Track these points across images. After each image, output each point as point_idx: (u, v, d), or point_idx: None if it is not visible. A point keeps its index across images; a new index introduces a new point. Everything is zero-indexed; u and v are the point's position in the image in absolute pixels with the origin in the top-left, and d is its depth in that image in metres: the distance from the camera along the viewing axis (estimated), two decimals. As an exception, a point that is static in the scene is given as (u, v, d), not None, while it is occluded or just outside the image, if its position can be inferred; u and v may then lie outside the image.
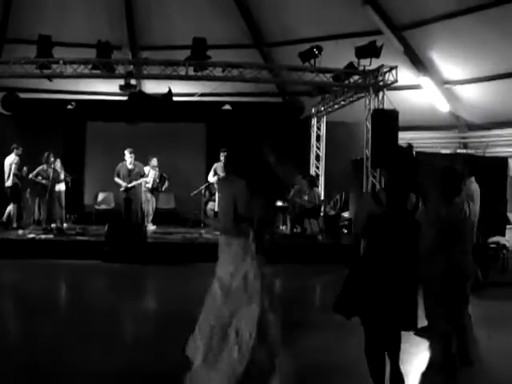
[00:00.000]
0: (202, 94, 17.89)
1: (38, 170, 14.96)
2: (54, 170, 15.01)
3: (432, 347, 6.28)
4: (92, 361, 5.97)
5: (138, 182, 15.36)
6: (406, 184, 4.68)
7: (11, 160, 15.59)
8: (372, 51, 14.73)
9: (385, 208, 4.57)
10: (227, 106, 17.92)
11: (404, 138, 15.66)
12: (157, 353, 6.22)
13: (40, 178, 14.91)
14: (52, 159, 15.01)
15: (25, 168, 15.49)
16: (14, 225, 15.41)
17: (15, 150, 15.65)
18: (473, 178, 8.08)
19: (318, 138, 18.98)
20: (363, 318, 4.63)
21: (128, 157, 15.24)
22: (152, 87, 18.20)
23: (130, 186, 15.11)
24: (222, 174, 14.58)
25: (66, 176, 15.57)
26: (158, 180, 16.49)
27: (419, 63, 17.59)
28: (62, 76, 15.24)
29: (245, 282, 4.56)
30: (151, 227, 16.31)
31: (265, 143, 4.82)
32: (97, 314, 8.33)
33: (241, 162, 4.78)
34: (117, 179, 15.23)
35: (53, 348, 6.42)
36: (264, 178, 4.72)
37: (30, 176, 14.94)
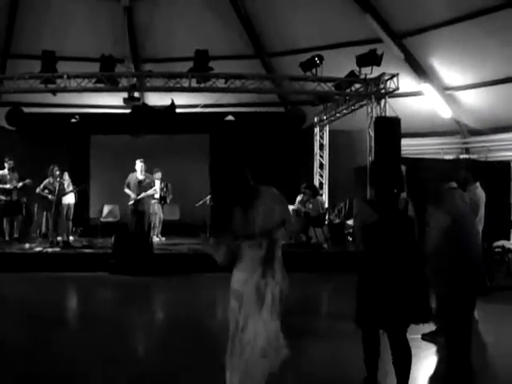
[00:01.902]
0: (205, 106, 18.01)
1: (44, 183, 14.98)
2: (61, 183, 15.05)
3: (439, 351, 6.33)
4: (101, 372, 6.03)
5: (148, 193, 15.29)
6: (392, 187, 4.75)
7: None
8: (373, 59, 14.80)
9: (379, 213, 4.64)
10: (230, 117, 17.96)
11: (407, 144, 15.74)
12: (165, 362, 6.27)
13: (47, 191, 14.94)
14: (57, 172, 15.00)
15: (27, 180, 15.55)
16: (7, 238, 15.45)
17: (5, 164, 15.60)
18: (478, 184, 8.11)
19: (321, 146, 19.04)
20: (379, 324, 4.72)
21: (139, 167, 15.18)
22: (155, 99, 18.32)
23: (139, 197, 15.04)
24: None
25: (74, 188, 15.57)
26: (164, 190, 16.55)
27: (420, 70, 17.66)
28: (66, 90, 15.35)
29: (257, 291, 4.63)
30: (161, 239, 16.40)
31: (246, 169, 4.91)
32: (105, 326, 8.37)
33: (229, 193, 4.89)
34: (126, 190, 15.14)
35: (61, 359, 6.47)
36: (250, 196, 4.82)
37: (37, 190, 14.96)
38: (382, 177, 4.72)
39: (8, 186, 15.33)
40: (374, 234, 4.65)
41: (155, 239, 15.80)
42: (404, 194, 4.94)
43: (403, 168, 5.73)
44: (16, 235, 15.52)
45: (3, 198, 15.43)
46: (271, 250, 4.72)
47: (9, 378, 5.85)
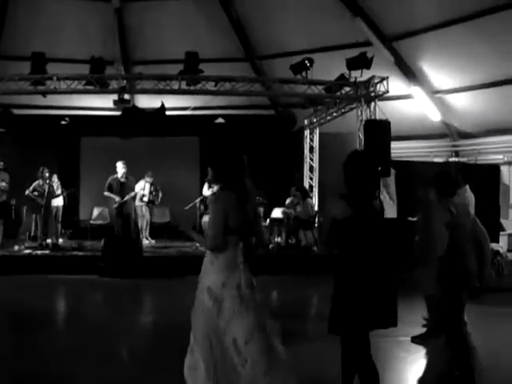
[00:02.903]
0: (195, 108, 18.01)
1: (33, 185, 14.90)
2: (50, 186, 14.99)
3: (429, 354, 6.34)
4: (90, 375, 6.01)
5: (131, 195, 15.11)
6: (368, 183, 4.72)
7: None
8: (363, 62, 14.84)
9: (352, 208, 4.58)
10: (220, 120, 17.98)
11: (396, 147, 15.81)
12: (154, 366, 6.27)
13: (36, 193, 14.86)
14: (47, 174, 14.92)
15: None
16: None
17: None
18: (467, 186, 8.12)
19: (311, 149, 19.03)
20: (354, 329, 4.63)
21: (120, 169, 14.85)
22: (145, 102, 18.32)
23: (123, 200, 14.83)
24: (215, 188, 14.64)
25: (63, 191, 15.50)
26: (153, 193, 16.51)
27: (410, 73, 17.74)
28: (55, 92, 15.31)
29: (239, 292, 4.59)
30: (150, 241, 16.38)
31: (242, 156, 4.89)
32: (94, 329, 8.35)
33: (230, 175, 4.82)
34: (108, 193, 14.90)
35: (49, 362, 6.45)
36: (248, 189, 4.80)
37: (27, 192, 14.88)
38: (356, 171, 4.67)
39: None
40: (345, 230, 4.58)
41: (145, 242, 15.78)
42: (387, 197, 4.94)
43: (392, 171, 5.73)
44: None
45: None
46: (247, 249, 4.69)
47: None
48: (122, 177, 14.88)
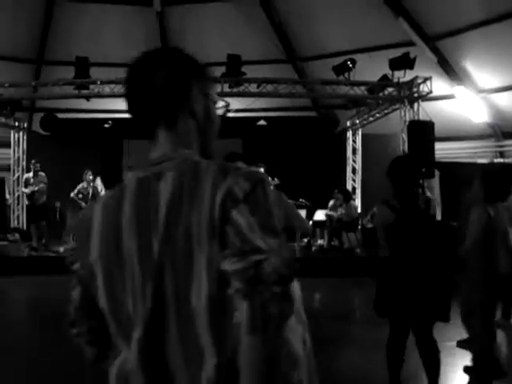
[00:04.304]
0: (237, 110, 18.02)
1: (78, 188, 15.04)
2: (94, 188, 15.13)
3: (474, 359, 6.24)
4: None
5: None
6: (411, 185, 4.73)
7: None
8: (406, 63, 14.75)
9: (399, 212, 4.62)
10: (262, 122, 17.98)
11: (440, 148, 15.61)
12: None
13: (81, 196, 15.01)
14: (91, 177, 15.06)
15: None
16: (34, 244, 15.21)
17: (31, 166, 15.43)
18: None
19: (354, 150, 18.92)
20: (395, 315, 4.69)
21: None
22: (187, 104, 18.40)
23: None
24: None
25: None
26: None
27: (453, 73, 17.51)
28: (99, 96, 15.52)
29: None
30: None
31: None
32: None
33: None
34: None
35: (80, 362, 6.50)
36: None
37: (72, 195, 15.03)
38: (400, 174, 4.70)
39: (26, 189, 15.21)
40: (394, 233, 4.63)
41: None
42: (430, 194, 4.93)
43: (436, 173, 5.67)
44: (44, 241, 15.23)
45: (27, 202, 15.50)
46: None
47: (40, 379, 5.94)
48: None
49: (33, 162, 15.13)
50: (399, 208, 4.61)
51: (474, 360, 5.65)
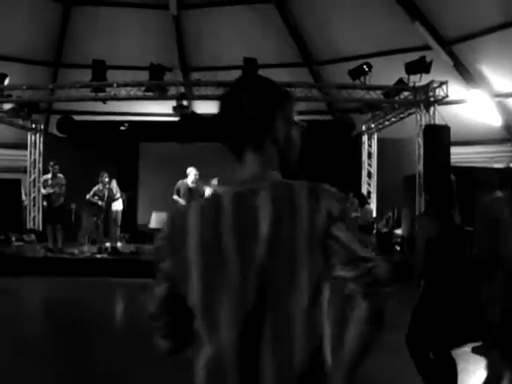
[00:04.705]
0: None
1: (94, 190, 15.13)
2: (110, 190, 15.20)
3: (489, 366, 6.20)
4: (158, 380, 6.08)
5: None
6: (451, 201, 4.71)
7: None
8: (422, 67, 14.71)
9: (442, 226, 4.59)
10: (278, 125, 17.95)
11: (456, 152, 15.53)
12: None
13: (96, 198, 15.08)
14: (107, 179, 15.13)
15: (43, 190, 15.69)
16: (50, 245, 15.24)
17: (49, 168, 15.44)
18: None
19: (370, 155, 18.89)
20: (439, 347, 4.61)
21: (192, 175, 14.91)
22: (203, 107, 18.43)
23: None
24: None
25: (122, 195, 15.65)
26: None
27: (469, 77, 17.42)
28: (116, 98, 15.60)
29: None
30: None
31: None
32: (147, 330, 8.45)
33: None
34: (176, 197, 14.91)
35: (115, 366, 6.55)
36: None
37: (87, 196, 15.11)
38: (441, 190, 4.68)
39: (44, 191, 15.30)
40: (435, 248, 4.60)
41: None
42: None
43: (452, 178, 5.59)
44: (60, 245, 15.19)
45: (44, 203, 15.56)
46: None
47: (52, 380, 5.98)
48: (191, 182, 14.96)
49: (51, 163, 15.20)
50: (441, 223, 4.60)
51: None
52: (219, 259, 1.73)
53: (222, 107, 1.91)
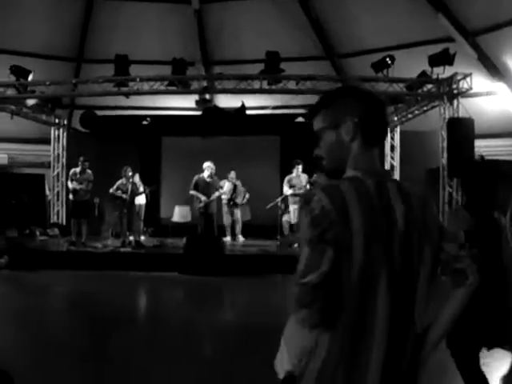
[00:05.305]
0: (275, 107, 18.03)
1: (117, 184, 15.19)
2: (133, 184, 15.26)
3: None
4: (174, 372, 6.10)
5: (216, 195, 15.38)
6: (489, 194, 4.59)
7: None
8: (445, 59, 14.58)
9: (479, 220, 4.45)
10: (300, 119, 17.90)
11: (480, 145, 15.41)
12: (237, 365, 6.29)
13: (120, 192, 15.15)
14: (130, 173, 15.19)
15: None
16: (73, 238, 15.39)
17: (79, 163, 15.49)
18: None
19: (392, 147, 18.79)
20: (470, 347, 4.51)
21: (209, 169, 15.07)
22: (225, 101, 18.45)
23: (209, 200, 15.08)
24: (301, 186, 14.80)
25: (145, 189, 15.70)
26: (232, 192, 16.60)
27: (493, 69, 17.24)
28: (138, 93, 15.63)
29: None
30: (239, 239, 16.53)
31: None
32: (175, 326, 8.50)
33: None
34: (195, 192, 15.09)
35: (132, 358, 6.59)
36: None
37: (111, 191, 15.18)
38: (479, 182, 4.54)
39: (71, 185, 15.31)
40: (473, 241, 4.47)
41: (226, 239, 15.96)
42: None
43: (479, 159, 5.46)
44: (83, 239, 15.35)
45: (70, 197, 15.66)
46: None
47: (75, 375, 6.02)
48: (208, 176, 15.06)
49: (81, 159, 15.31)
50: (477, 216, 4.48)
51: None
52: (375, 235, 2.01)
53: (373, 110, 2.25)
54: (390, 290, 2.03)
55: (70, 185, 15.25)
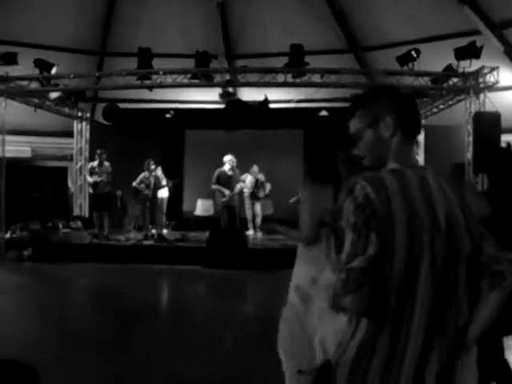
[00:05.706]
0: (299, 101, 17.91)
1: (140, 177, 15.22)
2: (156, 177, 15.27)
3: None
4: (194, 366, 6.06)
5: (238, 189, 15.39)
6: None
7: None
8: (472, 52, 14.40)
9: (498, 207, 4.39)
10: (324, 112, 17.79)
11: (507, 140, 15.22)
12: (258, 358, 6.26)
13: (143, 185, 15.16)
14: (153, 167, 15.21)
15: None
16: (96, 231, 15.44)
17: (96, 156, 15.57)
18: None
19: (417, 142, 18.59)
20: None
21: (230, 163, 15.18)
22: (248, 95, 18.38)
23: (233, 194, 15.14)
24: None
25: (168, 182, 15.69)
26: (254, 186, 16.52)
27: (520, 62, 17.05)
28: (161, 86, 15.62)
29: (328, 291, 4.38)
30: (257, 234, 16.43)
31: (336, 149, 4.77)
32: (197, 319, 8.48)
33: (327, 168, 4.71)
34: (217, 186, 15.14)
35: (153, 352, 6.55)
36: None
37: (134, 184, 15.20)
38: (505, 169, 4.47)
39: (90, 179, 15.35)
40: (489, 229, 4.40)
41: (249, 233, 15.89)
42: None
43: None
44: (105, 232, 15.39)
45: (90, 191, 15.72)
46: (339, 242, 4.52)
47: (97, 367, 6.04)
48: (229, 170, 15.07)
49: (98, 151, 15.32)
50: (496, 203, 4.40)
51: None
52: (416, 225, 2.06)
53: (408, 105, 2.42)
54: (431, 282, 2.05)
55: (90, 179, 15.26)
